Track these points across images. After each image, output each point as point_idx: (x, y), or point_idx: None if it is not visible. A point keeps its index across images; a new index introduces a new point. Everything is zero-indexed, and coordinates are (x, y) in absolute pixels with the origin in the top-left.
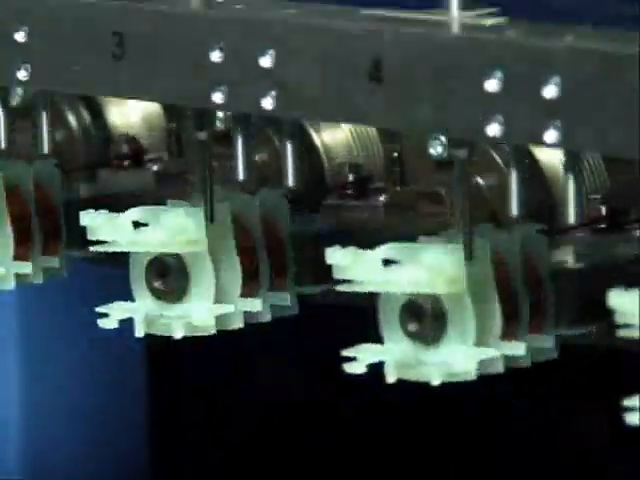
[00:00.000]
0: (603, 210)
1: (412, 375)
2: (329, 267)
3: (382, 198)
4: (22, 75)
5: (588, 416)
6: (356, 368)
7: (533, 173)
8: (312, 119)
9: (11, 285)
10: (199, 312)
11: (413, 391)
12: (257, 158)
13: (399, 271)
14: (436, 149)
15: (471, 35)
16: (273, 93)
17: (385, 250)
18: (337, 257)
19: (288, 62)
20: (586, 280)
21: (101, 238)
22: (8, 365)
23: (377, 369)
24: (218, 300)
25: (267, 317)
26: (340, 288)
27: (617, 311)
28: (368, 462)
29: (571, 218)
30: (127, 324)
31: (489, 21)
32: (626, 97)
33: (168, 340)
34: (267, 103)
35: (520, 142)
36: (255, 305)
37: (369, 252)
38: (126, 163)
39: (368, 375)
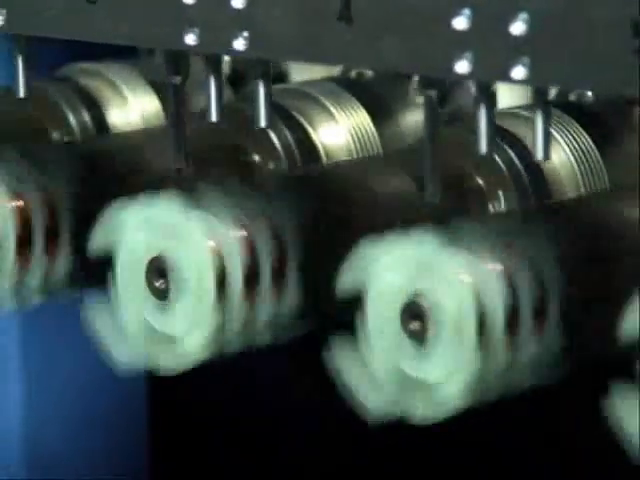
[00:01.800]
0: None
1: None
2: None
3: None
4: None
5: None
6: None
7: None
8: (283, 60)
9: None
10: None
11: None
12: (258, 159)
13: (403, 274)
14: None
15: None
16: (245, 34)
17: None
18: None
19: (259, 3)
20: None
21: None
22: (10, 368)
23: None
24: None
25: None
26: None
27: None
28: (370, 467)
29: (539, 154)
30: None
31: None
32: (591, 32)
33: None
34: (239, 44)
35: (488, 79)
36: (254, 312)
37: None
38: None
39: None
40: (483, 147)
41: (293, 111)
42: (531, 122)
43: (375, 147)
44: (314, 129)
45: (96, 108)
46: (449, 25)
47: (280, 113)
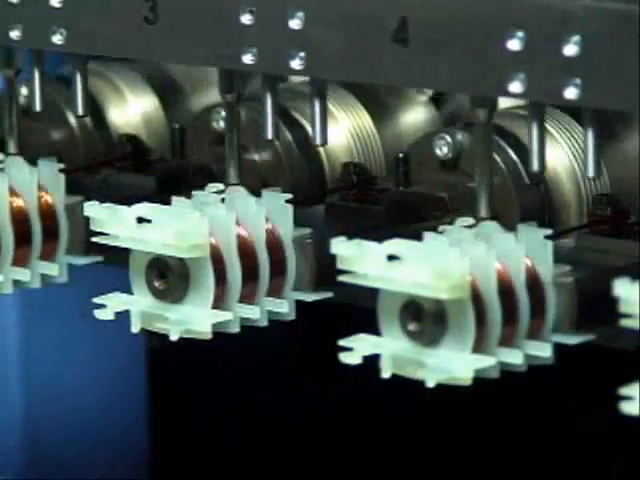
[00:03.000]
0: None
1: (407, 372)
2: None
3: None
4: (57, 39)
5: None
6: (352, 359)
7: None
8: (339, 79)
9: (9, 290)
10: (197, 319)
11: (411, 390)
12: (258, 159)
13: (403, 270)
14: (441, 149)
15: None
16: (302, 54)
17: (391, 246)
18: (342, 248)
19: (316, 24)
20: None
21: (104, 231)
22: (9, 365)
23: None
24: (217, 304)
25: (263, 322)
26: (342, 278)
27: (621, 301)
28: (372, 468)
29: (535, 166)
30: (127, 324)
31: None
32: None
33: (168, 339)
34: (296, 64)
35: (541, 99)
36: (254, 312)
37: (375, 245)
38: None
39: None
40: (535, 165)
41: (292, 111)
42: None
43: (376, 147)
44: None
45: (96, 108)
46: (503, 46)
47: (280, 113)
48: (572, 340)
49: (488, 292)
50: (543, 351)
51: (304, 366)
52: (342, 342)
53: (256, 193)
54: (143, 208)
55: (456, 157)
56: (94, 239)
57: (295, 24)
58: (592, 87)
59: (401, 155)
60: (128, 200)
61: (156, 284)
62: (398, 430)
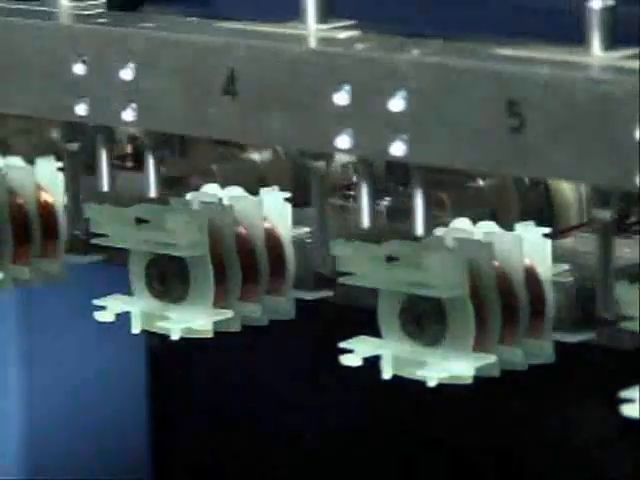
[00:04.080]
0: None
1: (408, 373)
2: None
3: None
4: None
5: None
6: (352, 361)
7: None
8: (170, 131)
9: (9, 289)
10: (197, 317)
11: (412, 388)
12: (258, 158)
13: (402, 270)
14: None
15: (320, 49)
16: (134, 105)
17: (389, 246)
18: (341, 249)
19: (147, 75)
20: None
21: (103, 232)
22: (9, 365)
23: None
24: (217, 303)
25: (264, 321)
26: (342, 280)
27: (621, 303)
28: (373, 466)
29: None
30: (127, 325)
31: (342, 34)
32: (468, 109)
33: (168, 339)
34: (128, 115)
35: (368, 154)
36: (254, 310)
37: (373, 246)
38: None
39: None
40: (364, 220)
41: None
42: None
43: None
44: None
45: None
46: (330, 100)
47: None
48: (572, 338)
49: (488, 291)
50: (544, 349)
51: (304, 366)
52: (343, 344)
53: (255, 193)
54: (142, 208)
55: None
56: (94, 240)
57: (126, 75)
58: (418, 143)
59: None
60: (128, 200)
61: (156, 284)
62: (398, 430)
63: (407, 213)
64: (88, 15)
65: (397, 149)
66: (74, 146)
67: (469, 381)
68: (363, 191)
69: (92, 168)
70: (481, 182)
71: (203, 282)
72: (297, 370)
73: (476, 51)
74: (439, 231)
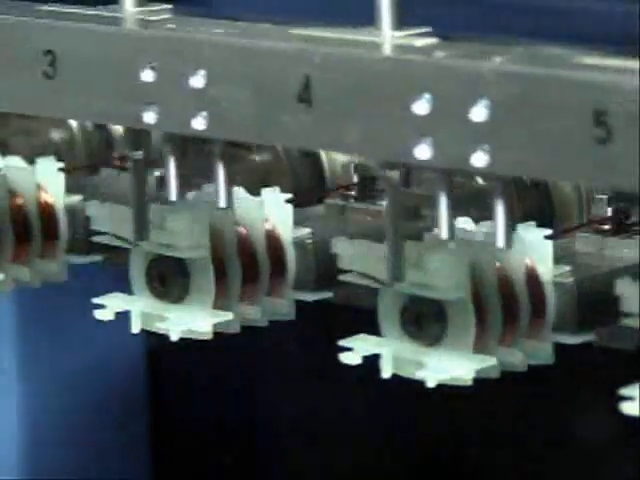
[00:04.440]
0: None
1: (408, 372)
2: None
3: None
4: None
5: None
6: (352, 359)
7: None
8: (242, 140)
9: (9, 288)
10: (197, 318)
11: (413, 388)
12: (258, 159)
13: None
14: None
15: (399, 57)
16: (204, 114)
17: None
18: (342, 247)
19: (218, 83)
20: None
21: (105, 230)
22: (8, 365)
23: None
24: (217, 304)
25: (264, 322)
26: (343, 277)
27: (622, 300)
28: (374, 466)
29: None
30: (127, 324)
31: (419, 42)
32: (552, 119)
33: (168, 339)
34: (198, 123)
35: (448, 165)
36: (254, 313)
37: (375, 245)
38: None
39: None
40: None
41: None
42: None
43: None
44: None
45: None
46: (409, 110)
47: None
48: (572, 340)
49: (488, 292)
50: (544, 351)
51: (304, 366)
52: (342, 342)
53: (256, 193)
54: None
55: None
56: (95, 238)
57: (197, 82)
58: (500, 153)
59: None
60: (128, 200)
61: (156, 284)
62: (398, 430)
63: (408, 213)
64: (155, 20)
65: (478, 159)
66: (139, 154)
67: (469, 382)
68: (442, 204)
69: (92, 168)
70: (481, 182)
71: (203, 283)
72: (297, 370)
73: (559, 59)
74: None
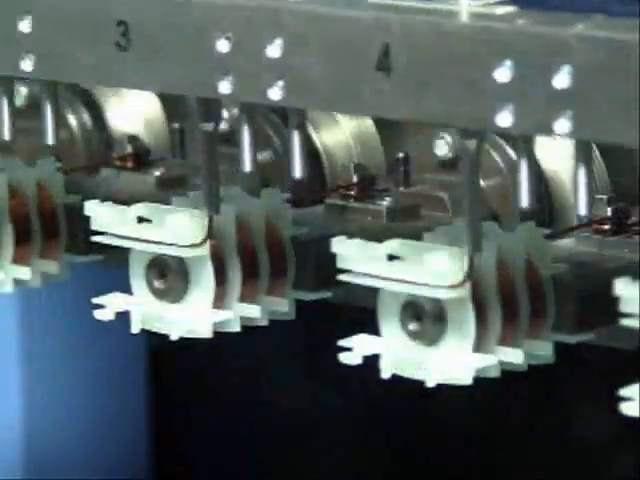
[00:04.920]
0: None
1: (407, 372)
2: (330, 272)
3: (386, 201)
4: (26, 65)
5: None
6: (352, 359)
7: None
8: (320, 109)
9: (9, 288)
10: (197, 317)
11: (413, 390)
12: (258, 158)
13: (403, 269)
14: (441, 149)
15: (480, 23)
16: (280, 83)
17: (391, 246)
18: (342, 247)
19: (295, 52)
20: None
21: (104, 230)
22: (9, 365)
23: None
24: (217, 303)
25: (264, 322)
26: (342, 277)
27: (621, 300)
28: (374, 466)
29: (582, 210)
30: (127, 324)
31: (498, 10)
32: (635, 84)
33: (168, 339)
34: (274, 93)
35: (531, 132)
36: (254, 311)
37: (375, 245)
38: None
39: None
40: (524, 202)
41: None
42: None
43: (375, 146)
44: (314, 129)
45: (96, 108)
46: (491, 77)
47: (279, 113)
48: (572, 339)
49: (488, 291)
50: (544, 350)
51: (304, 366)
52: (342, 342)
53: (255, 193)
54: (143, 208)
55: (456, 157)
56: (95, 238)
57: (273, 52)
58: (584, 120)
59: (401, 155)
60: (128, 200)
61: (156, 284)
62: (398, 429)
63: (407, 213)
64: None
65: (561, 126)
66: (210, 126)
67: (469, 382)
68: (523, 169)
69: (92, 168)
70: (481, 182)
71: (203, 282)
72: (297, 370)
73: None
74: (439, 230)
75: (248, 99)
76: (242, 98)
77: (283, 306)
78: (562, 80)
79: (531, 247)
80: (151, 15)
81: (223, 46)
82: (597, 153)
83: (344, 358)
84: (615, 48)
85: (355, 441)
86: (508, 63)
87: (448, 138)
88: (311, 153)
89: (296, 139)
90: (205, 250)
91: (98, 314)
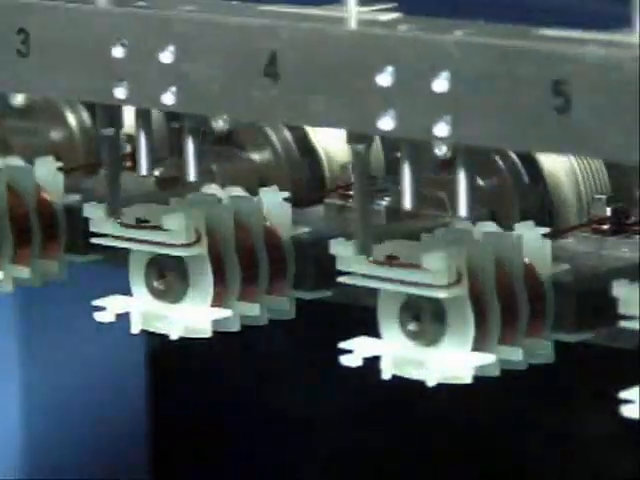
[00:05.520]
0: (607, 211)
1: (408, 373)
2: (329, 271)
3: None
4: None
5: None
6: (352, 361)
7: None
8: (211, 114)
9: (9, 288)
10: (196, 316)
11: (414, 390)
12: (257, 158)
13: (401, 270)
14: (440, 149)
15: (364, 30)
16: (173, 89)
17: (389, 246)
18: (341, 249)
19: (187, 58)
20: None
21: (102, 231)
22: (9, 365)
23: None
24: (216, 302)
25: (264, 320)
26: (341, 279)
27: (620, 302)
28: (372, 467)
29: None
30: (127, 325)
31: (384, 16)
32: (514, 90)
33: (168, 339)
34: (167, 99)
35: (412, 136)
36: (253, 310)
37: (373, 246)
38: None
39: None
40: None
41: None
42: None
43: (376, 147)
44: (313, 129)
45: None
46: (373, 82)
47: None
48: (572, 338)
49: (487, 291)
50: (543, 349)
51: (304, 366)
52: (342, 344)
53: (255, 193)
54: (142, 208)
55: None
56: (93, 240)
57: (166, 58)
58: (462, 124)
59: (399, 154)
60: (127, 200)
61: (155, 284)
62: (398, 429)
63: (407, 213)
64: None
65: (441, 130)
66: (110, 131)
67: (468, 381)
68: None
69: (91, 168)
70: (481, 182)
71: (202, 282)
72: (297, 370)
73: (520, 32)
74: (438, 231)
75: (142, 104)
76: (137, 103)
77: (283, 304)
78: (441, 85)
79: (530, 247)
80: (50, 23)
81: (118, 52)
82: None
83: (345, 360)
84: (492, 54)
85: (355, 441)
86: (389, 69)
87: None
88: (310, 153)
89: (190, 145)
90: (202, 249)
91: (98, 316)
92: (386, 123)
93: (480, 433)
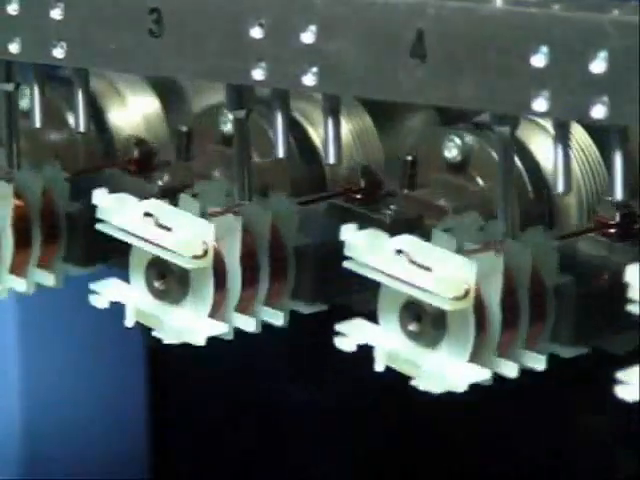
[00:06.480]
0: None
1: (401, 368)
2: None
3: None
4: (58, 53)
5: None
6: (346, 345)
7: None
8: (353, 95)
9: (4, 295)
10: (192, 329)
11: (412, 391)
12: (258, 160)
13: (409, 270)
14: (450, 151)
15: (515, 9)
16: (314, 69)
17: (401, 241)
18: (351, 235)
19: (329, 38)
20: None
21: (109, 220)
22: (8, 365)
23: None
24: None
25: (258, 329)
26: (346, 264)
27: (631, 286)
28: (371, 465)
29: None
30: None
31: None
32: None
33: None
34: (308, 80)
35: (567, 118)
36: (249, 325)
37: (385, 237)
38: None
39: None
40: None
41: (293, 111)
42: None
43: (376, 147)
44: (314, 129)
45: (96, 108)
46: (526, 62)
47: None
48: (567, 353)
49: (491, 301)
50: (537, 363)
51: (304, 366)
52: (338, 327)
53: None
54: (152, 204)
55: (464, 160)
56: (98, 226)
57: (307, 38)
58: (620, 105)
59: (409, 158)
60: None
61: (156, 284)
62: (398, 428)
63: (410, 223)
64: None
65: (597, 112)
66: (242, 113)
67: (462, 390)
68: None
69: (94, 171)
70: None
71: (203, 291)
72: (297, 370)
73: None
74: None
75: (282, 85)
76: (276, 84)
77: (278, 319)
78: (598, 66)
79: (538, 254)
80: (184, 2)
81: (257, 33)
82: (597, 153)
83: (339, 343)
84: None
85: (355, 440)
86: (544, 49)
87: (457, 140)
88: (311, 152)
89: (330, 125)
90: (207, 262)
91: (93, 300)
92: (540, 105)
93: (480, 433)
